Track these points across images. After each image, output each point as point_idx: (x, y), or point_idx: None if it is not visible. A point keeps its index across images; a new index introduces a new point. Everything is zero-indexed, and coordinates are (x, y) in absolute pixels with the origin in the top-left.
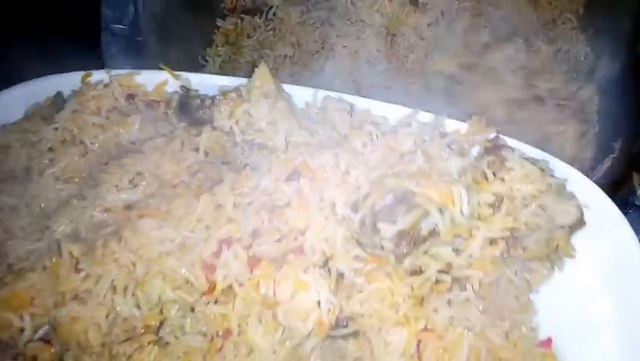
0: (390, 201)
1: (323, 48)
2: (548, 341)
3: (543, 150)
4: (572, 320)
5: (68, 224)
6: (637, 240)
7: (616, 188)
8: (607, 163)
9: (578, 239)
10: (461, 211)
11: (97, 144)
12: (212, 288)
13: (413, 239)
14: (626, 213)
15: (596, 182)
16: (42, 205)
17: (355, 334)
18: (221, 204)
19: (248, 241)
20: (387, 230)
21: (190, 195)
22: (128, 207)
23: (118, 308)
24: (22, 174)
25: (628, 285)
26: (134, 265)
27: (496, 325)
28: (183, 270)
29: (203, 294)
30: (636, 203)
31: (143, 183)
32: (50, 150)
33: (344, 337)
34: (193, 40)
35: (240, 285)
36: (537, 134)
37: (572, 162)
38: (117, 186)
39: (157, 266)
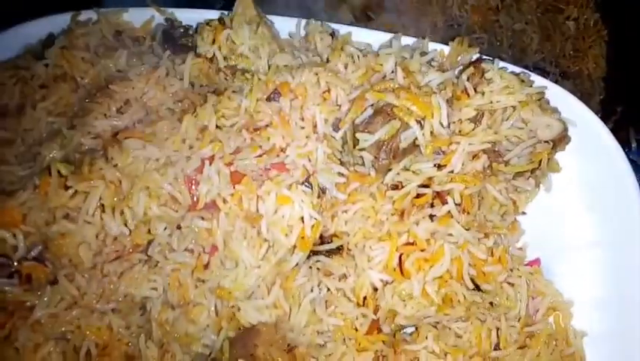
0: (370, 114)
1: None
2: (536, 261)
3: None
4: (559, 240)
5: (58, 150)
6: (623, 155)
7: None
8: (609, 125)
9: (563, 155)
10: (440, 123)
11: (86, 79)
12: (195, 203)
13: (392, 151)
14: None
15: None
16: (35, 137)
17: (339, 251)
18: (204, 125)
19: (230, 158)
20: (367, 140)
21: (174, 119)
22: (116, 133)
23: (107, 227)
24: (15, 109)
25: (614, 201)
26: (119, 182)
27: (480, 241)
28: (167, 185)
29: (188, 210)
30: (630, 157)
31: (130, 111)
32: (42, 86)
33: (328, 253)
34: None
35: (224, 201)
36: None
37: None
38: (105, 114)
39: (142, 182)
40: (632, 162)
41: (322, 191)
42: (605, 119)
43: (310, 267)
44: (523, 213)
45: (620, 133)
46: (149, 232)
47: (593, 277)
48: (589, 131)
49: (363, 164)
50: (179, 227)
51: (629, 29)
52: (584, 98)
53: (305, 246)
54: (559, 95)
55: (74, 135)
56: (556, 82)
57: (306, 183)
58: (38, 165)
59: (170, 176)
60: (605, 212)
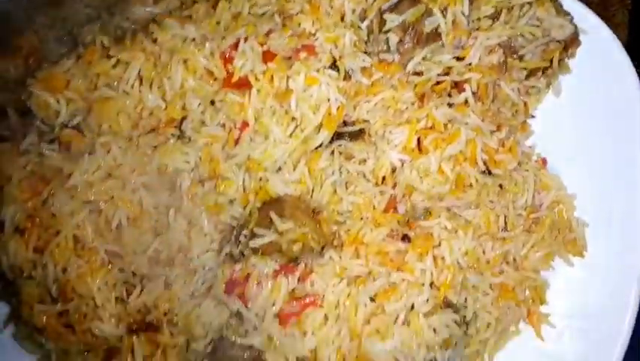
0: (396, 1)
1: None
2: (544, 161)
3: None
4: (565, 144)
5: (98, 32)
6: (630, 63)
7: None
8: None
9: (572, 63)
10: (462, 12)
11: None
12: (229, 78)
13: (416, 35)
14: None
15: None
16: (74, 24)
17: (361, 135)
18: (238, 11)
19: (263, 39)
20: (393, 20)
21: (209, 5)
22: (153, 19)
23: (144, 98)
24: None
25: (618, 110)
26: (159, 55)
27: (493, 131)
28: (203, 58)
29: (222, 86)
30: None
31: (166, 0)
32: None
33: (351, 137)
34: None
35: (256, 78)
36: None
37: None
38: (143, 2)
39: (180, 55)
40: None
41: (348, 76)
42: None
43: (332, 152)
44: (533, 116)
45: None
46: (183, 107)
47: (595, 179)
48: (599, 40)
49: (387, 50)
50: (212, 103)
51: None
52: None
53: (330, 125)
54: (573, 4)
55: (113, 20)
56: None
57: (333, 67)
58: (80, 43)
59: (206, 50)
60: (608, 120)
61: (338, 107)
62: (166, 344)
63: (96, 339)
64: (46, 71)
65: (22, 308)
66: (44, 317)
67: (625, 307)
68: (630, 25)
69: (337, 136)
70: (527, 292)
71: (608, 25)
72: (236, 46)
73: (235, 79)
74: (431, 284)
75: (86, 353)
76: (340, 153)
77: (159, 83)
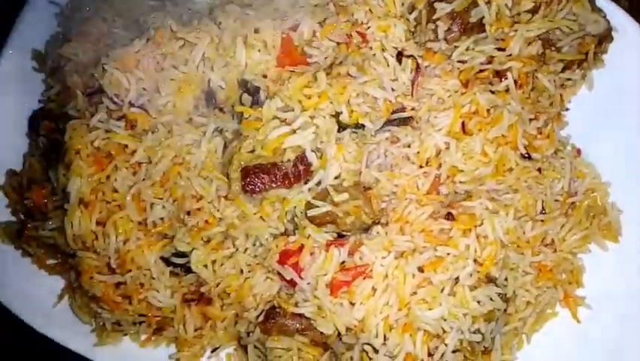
0: None
1: None
2: (578, 151)
3: None
4: (597, 135)
5: (163, 19)
6: None
7: None
8: None
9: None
10: (506, 5)
11: None
12: (287, 57)
13: (463, 24)
14: None
15: None
16: (139, 13)
17: (410, 120)
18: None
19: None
20: (443, 9)
21: None
22: (213, 10)
23: (208, 78)
24: None
25: None
26: (222, 36)
27: (532, 119)
28: (266, 37)
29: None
30: None
31: None
32: None
33: (399, 122)
34: None
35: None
36: None
37: None
38: None
39: (241, 36)
40: None
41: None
42: None
43: (375, 136)
44: (567, 109)
45: None
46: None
47: (626, 164)
48: (631, 38)
49: (434, 39)
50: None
51: None
52: None
53: (387, 111)
54: (603, 3)
55: (176, 8)
56: None
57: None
58: (146, 29)
59: (266, 31)
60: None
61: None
62: (216, 317)
63: (150, 310)
64: (119, 51)
65: (83, 278)
66: (103, 287)
67: None
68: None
69: (387, 122)
70: (564, 275)
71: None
72: (294, 28)
73: (293, 57)
74: (475, 260)
75: (139, 325)
76: (386, 139)
77: (222, 64)
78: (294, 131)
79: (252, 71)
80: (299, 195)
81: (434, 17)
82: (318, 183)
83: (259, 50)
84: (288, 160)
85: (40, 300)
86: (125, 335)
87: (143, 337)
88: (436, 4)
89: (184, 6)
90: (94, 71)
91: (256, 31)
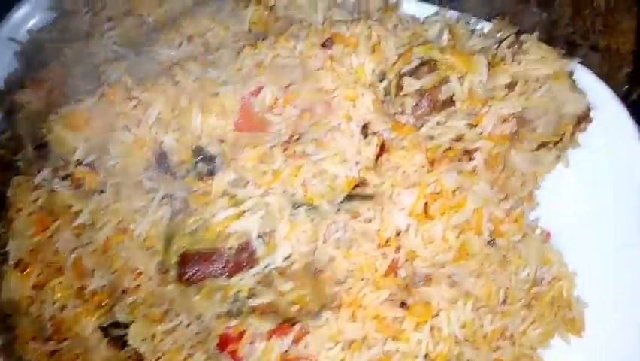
0: (416, 65)
1: None
2: (547, 235)
3: None
4: (570, 216)
5: (124, 72)
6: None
7: None
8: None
9: (583, 136)
10: (479, 82)
11: (152, 17)
12: (246, 122)
13: (433, 101)
14: None
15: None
16: (100, 60)
17: (371, 196)
18: (261, 60)
19: (282, 92)
20: (411, 86)
21: (233, 53)
22: (177, 63)
23: (161, 140)
24: (84, 35)
25: (626, 187)
26: (179, 97)
27: (500, 201)
28: (224, 102)
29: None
30: None
31: (192, 45)
32: (110, 19)
33: (362, 197)
34: None
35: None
36: None
37: None
38: (169, 45)
39: (199, 97)
40: None
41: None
42: (631, 91)
43: (338, 209)
44: (538, 188)
45: None
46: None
47: (598, 254)
48: (612, 116)
49: (402, 112)
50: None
51: None
52: (613, 71)
53: (349, 186)
54: (587, 77)
55: (139, 60)
56: (585, 55)
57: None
58: (104, 81)
59: (226, 94)
60: (615, 196)
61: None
62: None
63: None
64: (68, 107)
65: (16, 344)
66: (37, 355)
67: None
68: (637, 32)
69: (348, 197)
70: None
71: (615, 32)
72: (256, 92)
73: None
74: (426, 356)
75: None
76: (346, 211)
77: (176, 127)
78: (241, 214)
79: (208, 135)
80: (241, 281)
81: (402, 93)
82: (266, 267)
83: (216, 115)
84: (231, 248)
85: None
86: None
87: None
88: (405, 80)
89: (148, 56)
90: (43, 125)
91: (215, 94)
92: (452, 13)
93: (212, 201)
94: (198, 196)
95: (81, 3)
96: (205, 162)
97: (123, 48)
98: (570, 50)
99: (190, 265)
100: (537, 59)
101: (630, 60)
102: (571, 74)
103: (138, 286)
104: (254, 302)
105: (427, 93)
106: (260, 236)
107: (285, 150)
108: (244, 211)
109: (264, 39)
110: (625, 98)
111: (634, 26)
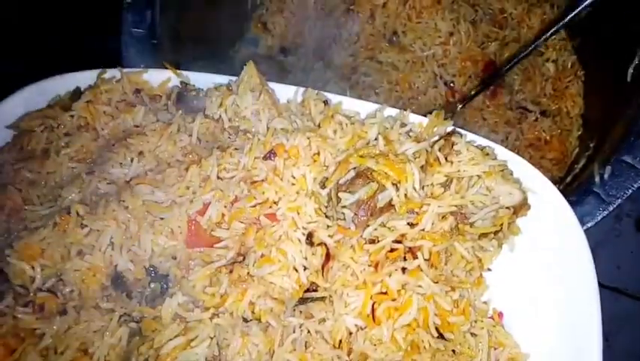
0: (352, 175)
1: None
2: (500, 315)
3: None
4: (521, 296)
5: (77, 193)
6: (577, 221)
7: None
8: (583, 160)
9: (524, 220)
10: (414, 187)
11: (106, 130)
12: (195, 239)
13: (370, 209)
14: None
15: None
16: (56, 180)
17: (323, 298)
18: (208, 175)
19: (228, 208)
20: (348, 199)
21: (181, 169)
22: (129, 180)
23: (115, 263)
24: (41, 153)
25: (568, 264)
26: (129, 221)
27: (446, 294)
28: (172, 225)
29: (187, 246)
30: (594, 190)
31: (143, 161)
32: (67, 134)
33: (313, 300)
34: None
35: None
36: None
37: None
38: (121, 163)
39: (147, 221)
40: (596, 194)
41: (320, 245)
42: (580, 154)
43: (294, 309)
44: (489, 269)
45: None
46: (151, 269)
47: (550, 333)
48: (549, 200)
49: (344, 219)
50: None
51: (603, 68)
52: (564, 134)
53: (299, 292)
54: (522, 165)
55: (92, 180)
56: (536, 120)
57: (307, 239)
58: (59, 206)
59: (174, 215)
60: (562, 275)
61: (307, 275)
62: None
63: None
64: (23, 241)
65: None
66: None
67: None
68: (585, 95)
69: (301, 301)
70: None
71: (564, 96)
72: (203, 211)
73: (201, 239)
74: None
75: None
76: (301, 312)
77: (129, 248)
78: (189, 343)
79: (160, 254)
80: None
81: (340, 205)
82: None
83: (166, 236)
84: None
85: None
86: None
87: None
88: (340, 195)
89: (100, 175)
90: (1, 257)
91: (162, 218)
92: (390, 112)
93: (163, 327)
94: (149, 322)
95: (37, 122)
96: (158, 281)
97: (79, 165)
98: (521, 115)
99: None
100: (468, 160)
101: (580, 123)
102: (503, 168)
103: None
104: None
105: (364, 203)
106: None
107: (231, 271)
108: (192, 339)
109: (211, 152)
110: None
111: (582, 90)
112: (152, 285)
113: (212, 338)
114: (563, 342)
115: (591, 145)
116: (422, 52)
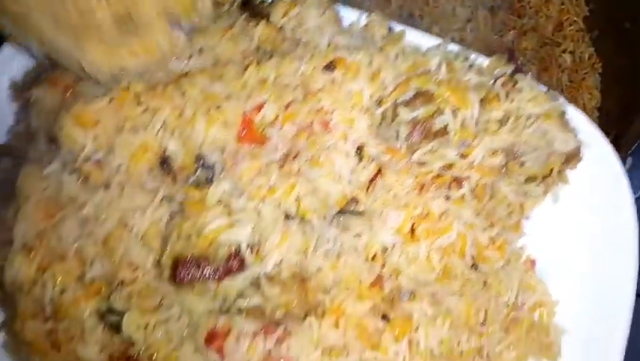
0: (411, 96)
1: None
2: (532, 263)
3: None
4: (557, 248)
5: (134, 79)
6: (626, 180)
7: None
8: None
9: (573, 172)
10: (472, 116)
11: None
12: (248, 135)
13: (425, 130)
14: None
15: None
16: None
17: (362, 213)
18: (265, 77)
19: (283, 110)
20: (405, 115)
21: (240, 69)
22: (186, 73)
23: (165, 146)
24: None
25: (612, 223)
26: (185, 106)
27: (485, 229)
28: (226, 116)
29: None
30: None
31: (202, 58)
32: None
33: (352, 213)
34: None
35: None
36: None
37: None
38: (180, 56)
39: (203, 108)
40: None
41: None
42: None
43: (331, 220)
44: (527, 218)
45: None
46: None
47: (583, 288)
48: (600, 156)
49: (396, 139)
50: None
51: (620, 61)
52: None
53: (342, 201)
54: (578, 117)
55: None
56: None
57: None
58: (116, 85)
59: (230, 107)
60: (602, 233)
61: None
62: None
63: None
64: (80, 106)
65: (15, 321)
66: (34, 333)
67: None
68: (601, 88)
69: (340, 212)
70: None
71: (580, 88)
72: (258, 108)
73: (253, 136)
74: None
75: None
76: (337, 226)
77: (181, 132)
78: (232, 225)
79: (210, 144)
80: (230, 285)
81: (396, 120)
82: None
83: (219, 126)
84: (222, 255)
85: None
86: None
87: None
88: (400, 109)
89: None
90: (55, 121)
91: (218, 107)
92: (453, 47)
93: (206, 209)
94: (194, 203)
95: None
96: (205, 170)
97: None
98: None
99: (182, 268)
100: (529, 98)
101: (596, 116)
102: (562, 113)
103: (135, 278)
104: (242, 304)
105: (420, 123)
106: (249, 246)
107: (281, 166)
108: (235, 222)
109: (270, 57)
110: None
111: (598, 82)
112: (199, 172)
113: (254, 227)
114: (594, 299)
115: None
116: (438, 37)
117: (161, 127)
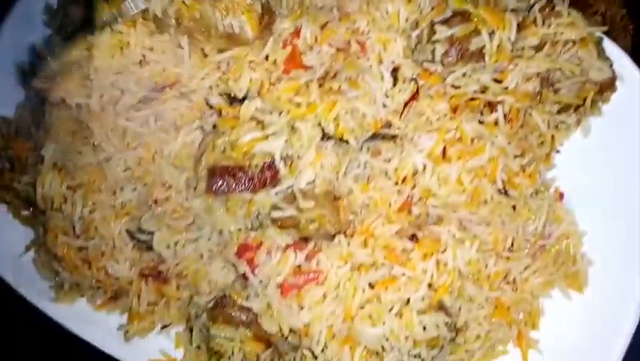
0: (448, 15)
1: None
2: (561, 196)
3: None
4: (583, 182)
5: None
6: None
7: None
8: None
9: (606, 107)
10: (508, 38)
11: None
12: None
13: (462, 51)
14: None
15: None
16: None
17: (394, 138)
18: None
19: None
20: (443, 32)
21: None
22: None
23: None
24: None
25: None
26: None
27: (517, 156)
28: None
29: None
30: None
31: None
32: None
33: (384, 137)
34: None
35: None
36: None
37: None
38: None
39: None
40: None
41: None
42: None
43: (361, 148)
44: (558, 151)
45: None
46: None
47: (605, 222)
48: (634, 91)
49: (431, 60)
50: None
51: None
52: None
53: (376, 126)
54: (612, 49)
55: None
56: None
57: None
58: None
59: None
60: (631, 169)
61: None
62: (171, 296)
63: (108, 278)
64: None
65: (47, 237)
66: (65, 249)
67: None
68: (633, 50)
69: (373, 136)
70: (521, 315)
71: None
72: (296, 33)
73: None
74: (430, 285)
75: (96, 289)
76: (368, 149)
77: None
78: (266, 137)
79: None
80: (265, 197)
81: (433, 39)
82: (288, 187)
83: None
84: (256, 166)
85: (9, 247)
86: (82, 296)
87: (99, 301)
88: (437, 27)
89: None
90: None
91: None
92: None
93: (240, 124)
94: (226, 119)
95: None
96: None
97: None
98: None
99: (217, 178)
100: (567, 24)
101: None
102: (599, 42)
103: (167, 198)
104: (275, 215)
105: (457, 42)
106: (283, 158)
107: (321, 85)
108: (269, 135)
109: None
110: None
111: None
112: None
113: (287, 141)
114: (616, 234)
115: None
116: None
117: None
